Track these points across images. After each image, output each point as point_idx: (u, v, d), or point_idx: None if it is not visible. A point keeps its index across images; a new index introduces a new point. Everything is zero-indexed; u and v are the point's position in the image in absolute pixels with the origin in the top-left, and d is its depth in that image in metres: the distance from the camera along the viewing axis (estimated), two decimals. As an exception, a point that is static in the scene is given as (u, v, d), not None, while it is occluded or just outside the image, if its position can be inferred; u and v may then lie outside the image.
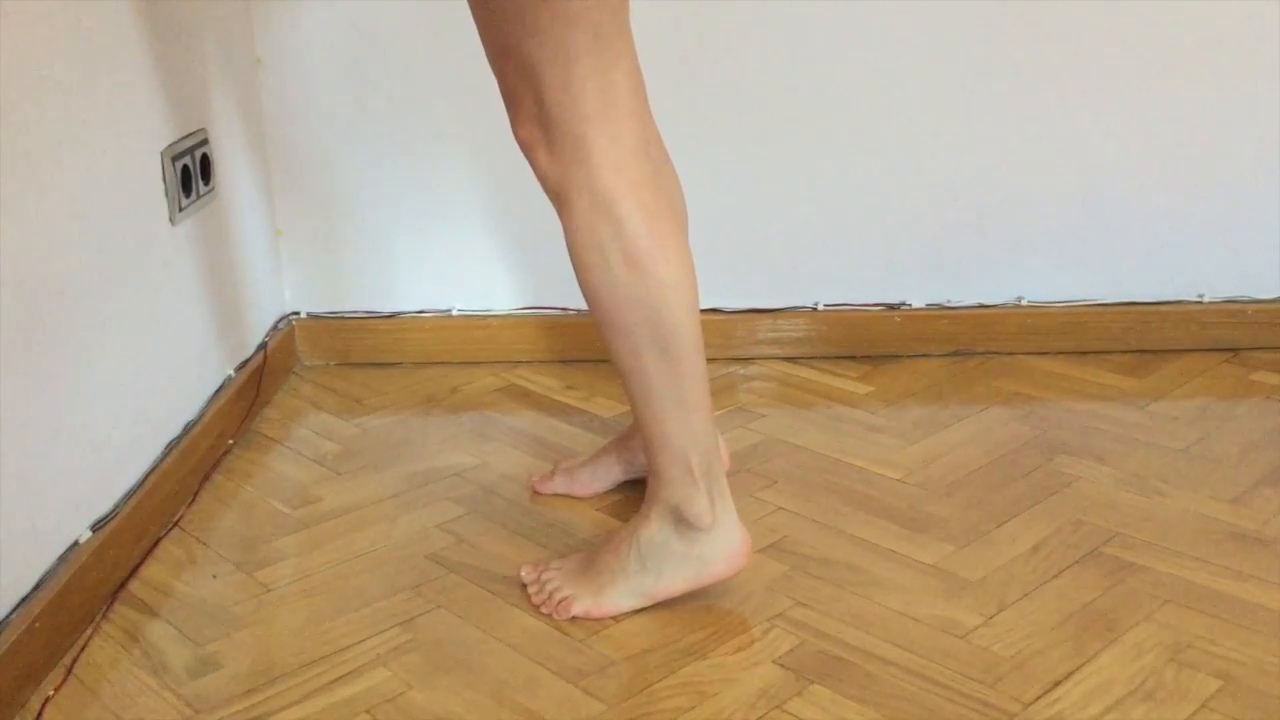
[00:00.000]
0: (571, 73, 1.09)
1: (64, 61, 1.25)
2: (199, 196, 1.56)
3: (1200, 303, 1.86)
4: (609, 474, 1.48)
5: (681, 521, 1.21)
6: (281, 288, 1.88)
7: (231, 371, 1.68)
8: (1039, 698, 1.11)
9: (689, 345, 1.15)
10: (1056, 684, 1.12)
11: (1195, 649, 1.17)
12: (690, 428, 1.18)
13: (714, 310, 1.86)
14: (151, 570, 1.35)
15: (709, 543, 1.22)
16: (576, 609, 1.24)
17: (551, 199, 1.16)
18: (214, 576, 1.34)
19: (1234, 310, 1.85)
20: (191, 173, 1.54)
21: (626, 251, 1.12)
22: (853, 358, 1.88)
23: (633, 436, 1.46)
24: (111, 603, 1.29)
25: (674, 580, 1.23)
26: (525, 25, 1.07)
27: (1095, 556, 1.32)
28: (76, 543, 1.26)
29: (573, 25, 1.07)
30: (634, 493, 1.47)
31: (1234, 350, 1.86)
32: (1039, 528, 1.39)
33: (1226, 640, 1.18)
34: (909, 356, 1.87)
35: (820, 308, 1.88)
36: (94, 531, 1.28)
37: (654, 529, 1.23)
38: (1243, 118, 1.77)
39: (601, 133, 1.11)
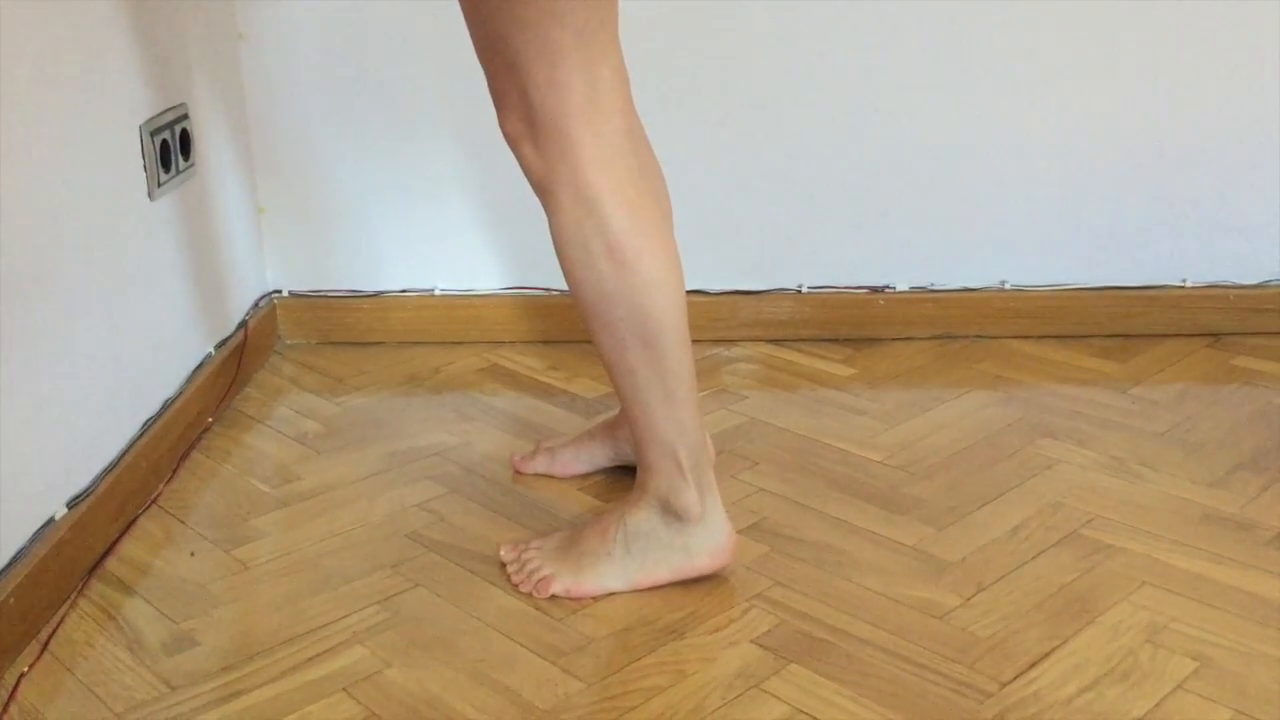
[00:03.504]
0: (557, 69, 1.09)
1: (41, 33, 1.23)
2: (178, 172, 1.55)
3: (1183, 287, 1.86)
4: (592, 457, 1.48)
5: (669, 512, 1.22)
6: (263, 265, 1.87)
7: (211, 349, 1.67)
8: (1016, 678, 1.11)
9: (674, 340, 1.16)
10: (1033, 664, 1.13)
11: (1171, 630, 1.17)
12: (677, 421, 1.18)
13: (698, 292, 1.85)
14: (128, 547, 1.35)
15: (695, 535, 1.23)
16: (556, 587, 1.23)
17: (537, 193, 1.17)
18: (192, 554, 1.33)
19: (1216, 295, 1.85)
20: (171, 148, 1.52)
21: (610, 247, 1.12)
22: (836, 340, 1.88)
23: (621, 426, 1.46)
24: (88, 580, 1.28)
25: (657, 569, 1.24)
26: (512, 20, 1.07)
27: (1074, 539, 1.33)
28: (52, 519, 1.25)
29: (559, 22, 1.07)
30: (616, 474, 1.47)
31: (1216, 335, 1.86)
32: (1019, 510, 1.39)
33: (1203, 622, 1.18)
34: (893, 339, 1.87)
35: (804, 290, 1.87)
36: (70, 508, 1.28)
37: (641, 517, 1.23)
38: (1228, 102, 1.77)
39: (586, 129, 1.11)
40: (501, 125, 1.16)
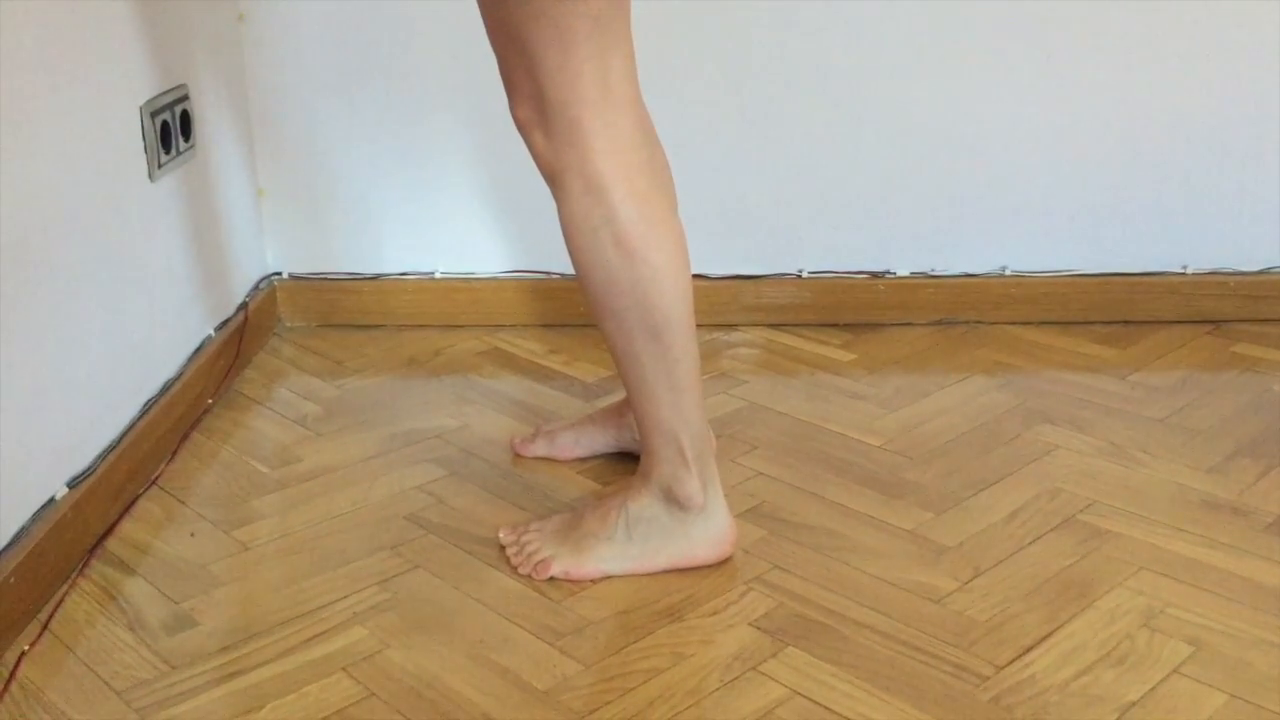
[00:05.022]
0: (570, 57, 1.09)
1: (42, 13, 1.23)
2: (179, 153, 1.55)
3: (1184, 274, 1.86)
4: (592, 442, 1.48)
5: (672, 501, 1.22)
6: (263, 248, 1.87)
7: (212, 331, 1.67)
8: (1012, 661, 1.11)
9: (680, 330, 1.16)
10: (1029, 648, 1.13)
11: (1167, 615, 1.18)
12: (681, 411, 1.19)
13: (699, 276, 1.84)
14: (129, 527, 1.35)
15: (696, 525, 1.23)
16: (555, 569, 1.24)
17: (546, 180, 1.17)
18: (192, 534, 1.34)
19: (1217, 282, 1.85)
20: (171, 129, 1.52)
21: (618, 236, 1.12)
22: (836, 325, 1.88)
23: (626, 412, 1.46)
24: (88, 559, 1.28)
25: (657, 556, 1.24)
26: (526, 6, 1.07)
27: (1072, 524, 1.33)
28: (53, 499, 1.25)
29: (573, 9, 1.07)
30: (616, 458, 1.47)
31: (1216, 322, 1.86)
32: (1017, 495, 1.39)
33: (1199, 607, 1.19)
34: (892, 325, 1.87)
35: (805, 275, 1.87)
36: (71, 488, 1.28)
37: (644, 503, 1.23)
38: (1230, 89, 1.77)
39: (597, 118, 1.11)
40: (512, 112, 1.16)
